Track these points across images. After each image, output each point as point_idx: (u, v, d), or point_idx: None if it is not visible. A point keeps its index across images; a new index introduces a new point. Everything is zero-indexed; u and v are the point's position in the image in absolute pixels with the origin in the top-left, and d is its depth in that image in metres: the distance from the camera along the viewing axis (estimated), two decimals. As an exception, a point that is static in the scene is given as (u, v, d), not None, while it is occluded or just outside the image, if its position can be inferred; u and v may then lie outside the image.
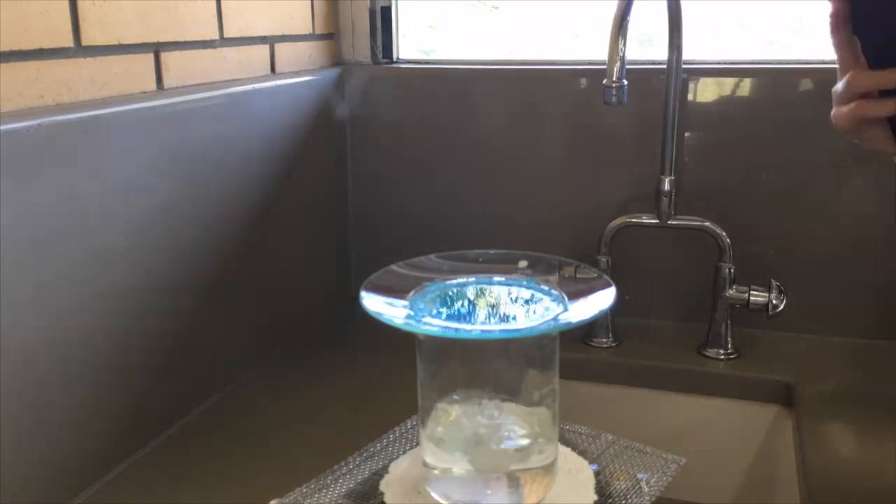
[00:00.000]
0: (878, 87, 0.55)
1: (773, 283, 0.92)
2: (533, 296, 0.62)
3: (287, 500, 0.66)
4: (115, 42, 0.72)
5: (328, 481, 0.68)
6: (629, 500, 0.65)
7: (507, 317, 0.61)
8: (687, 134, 0.96)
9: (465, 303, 0.62)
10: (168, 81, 0.79)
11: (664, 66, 0.90)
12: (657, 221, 0.95)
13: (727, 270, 0.93)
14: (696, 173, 0.97)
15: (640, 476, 0.68)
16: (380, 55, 1.11)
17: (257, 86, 0.89)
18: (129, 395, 0.73)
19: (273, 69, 0.96)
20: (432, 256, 0.68)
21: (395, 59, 1.13)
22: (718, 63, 0.98)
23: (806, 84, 0.93)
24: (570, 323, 0.58)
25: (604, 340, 0.98)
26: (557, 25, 1.13)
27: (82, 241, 0.66)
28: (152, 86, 0.77)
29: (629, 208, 0.98)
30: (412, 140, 1.08)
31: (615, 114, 0.98)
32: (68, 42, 0.67)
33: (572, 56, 1.06)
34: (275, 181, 0.93)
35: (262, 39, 0.93)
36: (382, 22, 1.11)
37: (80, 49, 0.68)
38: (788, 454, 0.86)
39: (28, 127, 0.61)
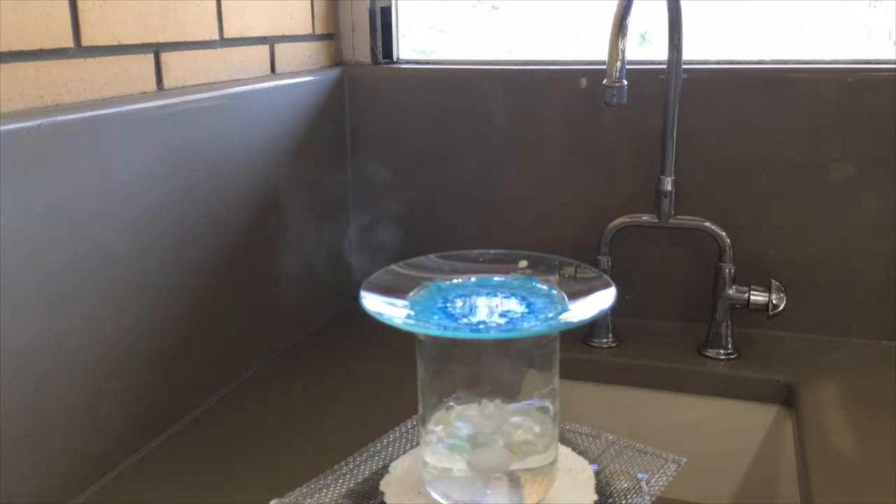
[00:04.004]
0: None
1: (773, 283, 0.92)
2: (530, 299, 0.62)
3: (287, 500, 0.66)
4: (115, 42, 0.72)
5: (328, 481, 0.68)
6: (629, 500, 0.65)
7: (507, 316, 0.61)
8: (687, 134, 0.96)
9: (466, 302, 0.62)
10: (168, 82, 0.79)
11: (664, 66, 0.90)
12: (657, 221, 0.95)
13: (727, 270, 0.93)
14: (696, 173, 0.97)
15: (640, 476, 0.68)
16: (380, 55, 1.11)
17: (257, 86, 0.89)
18: (129, 395, 0.73)
19: (273, 69, 0.96)
20: (432, 256, 0.68)
21: (395, 60, 1.13)
22: (718, 63, 0.98)
23: (806, 84, 0.93)
24: (570, 323, 0.58)
25: (604, 340, 0.98)
26: (557, 25, 1.13)
27: (82, 241, 0.66)
28: (152, 86, 0.77)
29: (629, 208, 0.98)
30: (412, 140, 1.08)
31: (615, 114, 0.98)
32: (68, 42, 0.67)
33: (572, 56, 1.06)
34: (274, 181, 0.93)
35: (262, 40, 0.93)
36: (382, 22, 1.11)
37: (80, 49, 0.68)
38: (788, 454, 0.86)
39: (28, 127, 0.61)
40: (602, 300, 0.60)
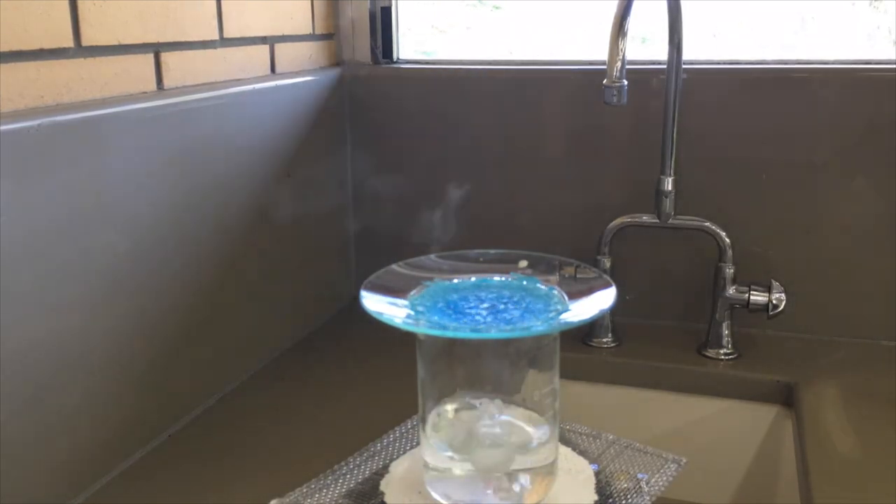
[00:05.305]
0: None
1: (773, 283, 0.92)
2: (529, 298, 0.62)
3: (287, 500, 0.66)
4: (115, 42, 0.72)
5: (328, 481, 0.68)
6: (629, 500, 0.65)
7: (507, 316, 0.61)
8: (687, 134, 0.96)
9: (466, 302, 0.62)
10: (168, 82, 0.79)
11: (664, 66, 0.90)
12: (657, 221, 0.95)
13: (727, 270, 0.93)
14: (696, 173, 0.97)
15: (640, 476, 0.68)
16: (380, 55, 1.11)
17: (257, 86, 0.89)
18: (129, 395, 0.73)
19: (273, 69, 0.96)
20: (432, 256, 0.68)
21: (395, 60, 1.13)
22: (718, 63, 0.98)
23: (806, 84, 0.93)
24: (570, 323, 0.58)
25: (604, 340, 0.98)
26: (558, 25, 1.13)
27: (82, 241, 0.66)
28: (152, 86, 0.77)
29: (629, 208, 0.98)
30: (412, 140, 1.08)
31: (615, 114, 0.98)
32: (68, 42, 0.67)
33: (572, 56, 1.06)
34: (275, 181, 0.93)
35: (262, 40, 0.93)
36: (382, 22, 1.11)
37: (80, 49, 0.68)
38: (788, 454, 0.86)
39: (28, 127, 0.61)
40: (602, 300, 0.60)
